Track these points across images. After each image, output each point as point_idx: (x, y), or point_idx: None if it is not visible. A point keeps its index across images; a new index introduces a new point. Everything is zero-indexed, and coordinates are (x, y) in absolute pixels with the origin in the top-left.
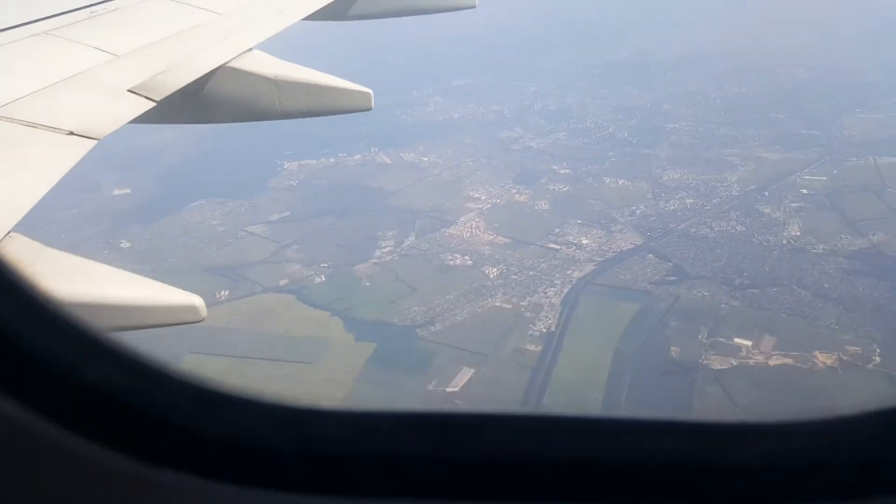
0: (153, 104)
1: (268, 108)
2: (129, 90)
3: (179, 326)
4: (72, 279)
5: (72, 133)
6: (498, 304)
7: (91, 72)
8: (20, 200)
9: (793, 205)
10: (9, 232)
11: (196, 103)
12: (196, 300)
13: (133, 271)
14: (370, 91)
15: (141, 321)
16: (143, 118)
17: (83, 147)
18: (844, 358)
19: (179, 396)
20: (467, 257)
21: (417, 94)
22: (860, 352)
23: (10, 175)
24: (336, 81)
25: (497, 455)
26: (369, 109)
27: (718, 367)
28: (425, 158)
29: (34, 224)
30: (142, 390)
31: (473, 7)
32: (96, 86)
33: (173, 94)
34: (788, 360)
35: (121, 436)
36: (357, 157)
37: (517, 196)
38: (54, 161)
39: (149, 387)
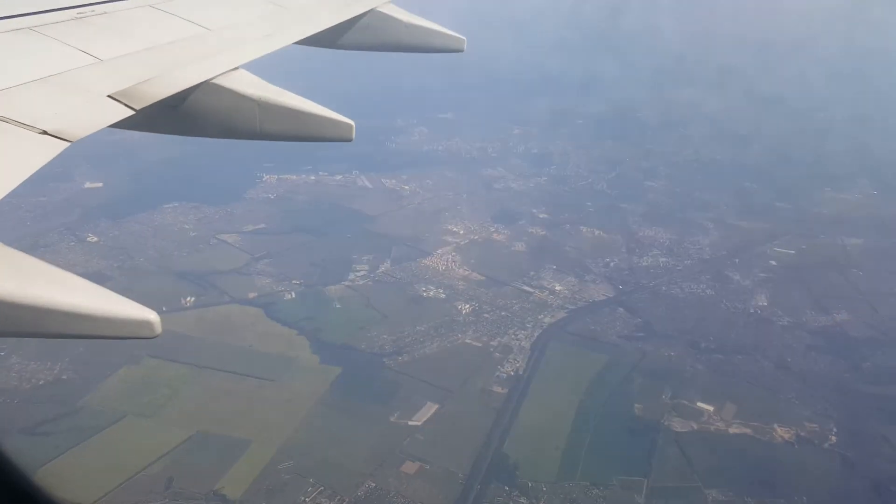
0: (132, 112)
1: (248, 128)
2: (109, 96)
3: None
4: (12, 277)
5: (45, 133)
6: (468, 340)
7: (72, 73)
8: None
9: (761, 275)
10: None
11: (176, 116)
12: (151, 315)
13: (97, 267)
14: (352, 123)
15: (87, 331)
16: (121, 125)
17: (55, 148)
18: (802, 434)
19: None
20: (441, 290)
21: (402, 123)
22: (817, 429)
23: None
24: (320, 109)
25: None
26: (350, 140)
27: (679, 429)
28: (406, 187)
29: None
30: None
31: (462, 51)
32: (76, 88)
33: (154, 104)
34: (748, 430)
35: None
36: (338, 177)
37: (495, 234)
38: (23, 159)
39: None
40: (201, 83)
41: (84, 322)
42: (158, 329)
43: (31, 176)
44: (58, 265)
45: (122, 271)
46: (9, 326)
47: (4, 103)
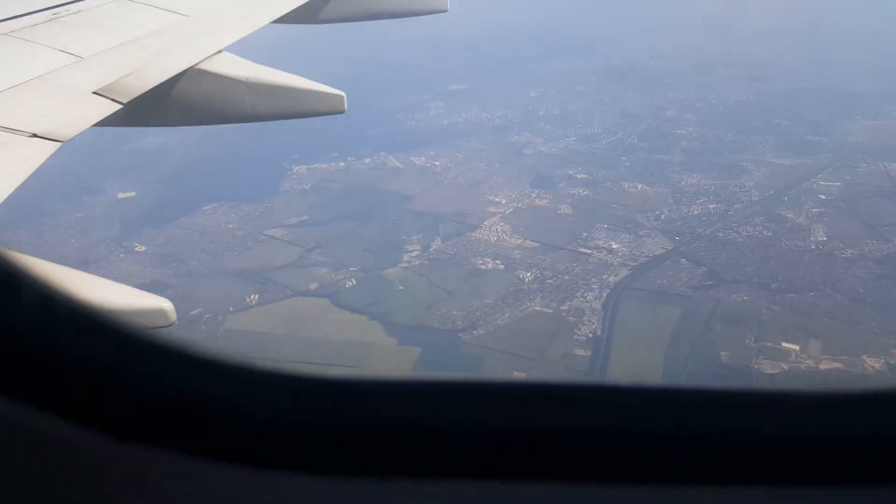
0: (120, 106)
1: (239, 111)
2: (94, 92)
3: (217, 331)
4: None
5: (34, 135)
6: (538, 308)
7: (54, 74)
8: None
9: (814, 210)
10: None
11: (164, 106)
12: (165, 304)
13: (152, 276)
14: (343, 94)
15: None
16: (109, 121)
17: (46, 150)
18: (892, 362)
19: (197, 373)
20: (498, 261)
21: (416, 99)
22: None
23: None
24: (308, 84)
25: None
26: (342, 112)
27: (771, 371)
28: (437, 163)
29: (40, 229)
30: (146, 368)
31: (445, 10)
32: (60, 88)
33: (140, 96)
34: (838, 364)
35: (130, 422)
36: (367, 160)
37: (538, 200)
38: (16, 164)
39: (156, 363)
40: (186, 70)
41: None
42: (173, 317)
43: (64, 187)
44: (113, 279)
45: (178, 277)
46: None
47: None
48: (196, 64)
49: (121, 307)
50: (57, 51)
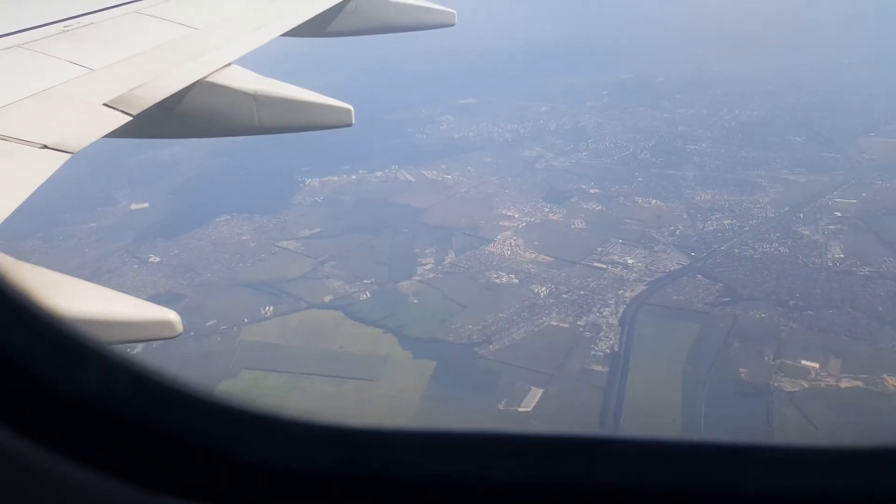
0: (129, 118)
1: (247, 123)
2: (104, 104)
3: (233, 343)
4: (38, 293)
5: (45, 146)
6: (554, 322)
7: (65, 85)
8: None
9: (830, 227)
10: None
11: (174, 118)
12: (172, 315)
13: (167, 286)
14: (350, 107)
15: (112, 337)
16: (120, 132)
17: (57, 161)
18: None
19: (204, 416)
20: (513, 275)
21: (426, 112)
22: None
23: None
24: (316, 97)
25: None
26: (350, 125)
27: (790, 388)
28: (449, 176)
29: (54, 238)
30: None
31: (453, 24)
32: (71, 100)
33: (150, 108)
34: (859, 383)
35: (130, 462)
36: (378, 173)
37: (551, 215)
38: (27, 175)
39: (167, 406)
40: (195, 83)
41: (109, 328)
42: (180, 328)
43: (76, 197)
44: (128, 289)
45: (192, 288)
46: None
47: (2, 121)
48: (205, 76)
49: (129, 318)
50: (68, 63)
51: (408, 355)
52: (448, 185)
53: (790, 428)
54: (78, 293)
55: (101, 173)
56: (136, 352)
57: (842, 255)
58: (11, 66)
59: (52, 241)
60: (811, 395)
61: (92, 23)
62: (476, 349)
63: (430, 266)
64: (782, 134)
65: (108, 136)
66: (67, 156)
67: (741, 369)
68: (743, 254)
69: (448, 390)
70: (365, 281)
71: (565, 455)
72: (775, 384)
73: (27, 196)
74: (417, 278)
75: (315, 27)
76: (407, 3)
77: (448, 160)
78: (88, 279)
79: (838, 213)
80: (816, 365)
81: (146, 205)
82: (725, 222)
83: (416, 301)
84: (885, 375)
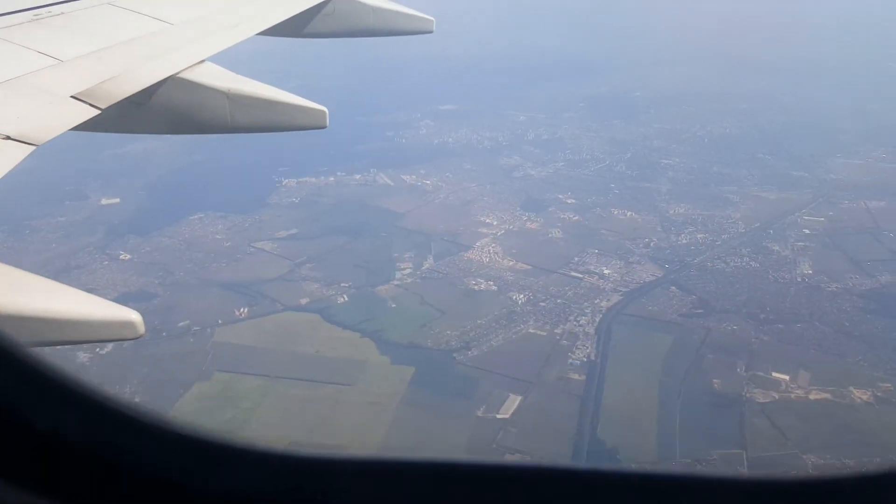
0: (98, 112)
1: (219, 122)
2: (72, 96)
3: (206, 344)
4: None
5: (8, 138)
6: (532, 330)
7: (33, 76)
8: None
9: (799, 244)
10: None
11: (144, 113)
12: (133, 315)
13: (137, 284)
14: (325, 109)
15: (70, 336)
16: (87, 126)
17: (20, 152)
18: (878, 394)
19: (175, 450)
20: (491, 282)
21: (406, 117)
22: (892, 388)
23: None
24: (291, 98)
25: None
26: (324, 127)
27: (762, 399)
28: (428, 181)
29: (21, 232)
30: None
31: (431, 32)
32: (38, 91)
33: (119, 102)
34: (827, 395)
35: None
36: (357, 176)
37: (528, 223)
38: None
39: (138, 441)
40: (167, 78)
41: (67, 327)
42: (141, 329)
43: (45, 190)
44: (98, 286)
45: (164, 287)
46: None
47: None
48: (178, 72)
49: (89, 318)
50: (37, 53)
51: (386, 360)
52: (427, 191)
53: (763, 438)
54: (37, 290)
55: (71, 166)
56: (107, 351)
57: (810, 272)
58: None
59: (18, 234)
60: (782, 407)
61: (63, 13)
62: (455, 355)
63: (408, 271)
64: (753, 151)
65: (74, 129)
66: (31, 148)
67: (714, 380)
68: (715, 267)
69: (426, 396)
70: (343, 284)
71: (511, 486)
72: (747, 395)
73: None
74: (396, 283)
75: (292, 27)
76: (386, 9)
77: (427, 165)
78: (56, 275)
79: (807, 231)
80: (787, 377)
81: (117, 200)
82: (698, 236)
83: (394, 305)
84: (852, 388)
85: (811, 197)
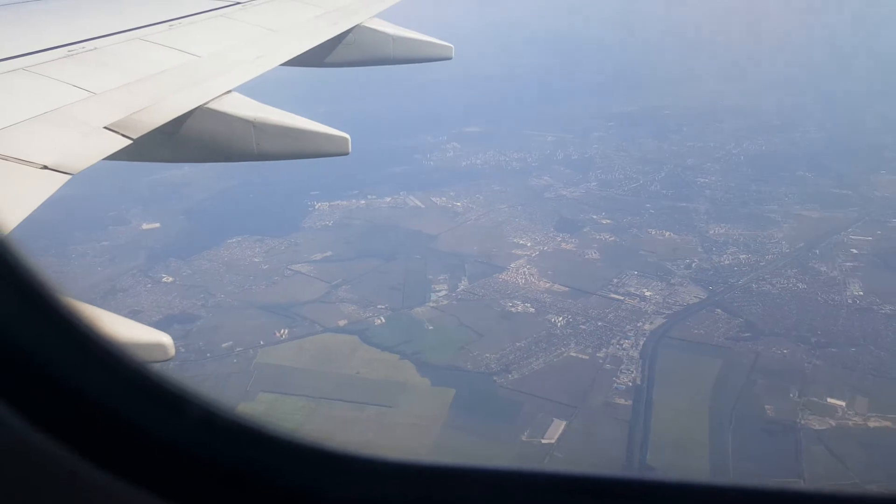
0: (130, 142)
1: (245, 150)
2: (105, 127)
3: (249, 365)
4: None
5: (45, 167)
6: (573, 353)
7: (67, 108)
8: None
9: (847, 264)
10: None
11: (173, 142)
12: (164, 338)
13: (181, 307)
14: (347, 136)
15: None
16: (120, 155)
17: (56, 182)
18: None
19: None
20: (528, 304)
21: (432, 140)
22: None
23: None
24: (314, 125)
25: None
26: (347, 154)
27: (818, 427)
28: (458, 203)
29: (68, 256)
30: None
31: (450, 58)
32: (72, 122)
33: (150, 132)
34: (888, 423)
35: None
36: (388, 199)
37: (563, 244)
38: (26, 195)
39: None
40: (195, 109)
41: None
42: (172, 351)
43: (89, 215)
44: (141, 308)
45: (207, 309)
46: None
47: (4, 142)
48: (205, 103)
49: (120, 340)
50: (71, 86)
51: (426, 382)
52: (458, 212)
53: (821, 467)
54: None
55: (111, 193)
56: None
57: (861, 293)
58: (15, 88)
59: (65, 258)
60: (840, 434)
61: (96, 48)
62: (495, 378)
63: (443, 293)
64: (792, 169)
65: (108, 158)
66: (67, 177)
67: (767, 406)
68: (761, 289)
69: (469, 419)
70: (379, 306)
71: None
72: (802, 422)
73: (27, 215)
74: (432, 304)
75: (315, 58)
76: (406, 37)
77: (456, 187)
78: (103, 297)
79: (854, 251)
80: (843, 403)
81: (158, 224)
82: (741, 256)
83: (431, 327)
84: None
85: (857, 215)
